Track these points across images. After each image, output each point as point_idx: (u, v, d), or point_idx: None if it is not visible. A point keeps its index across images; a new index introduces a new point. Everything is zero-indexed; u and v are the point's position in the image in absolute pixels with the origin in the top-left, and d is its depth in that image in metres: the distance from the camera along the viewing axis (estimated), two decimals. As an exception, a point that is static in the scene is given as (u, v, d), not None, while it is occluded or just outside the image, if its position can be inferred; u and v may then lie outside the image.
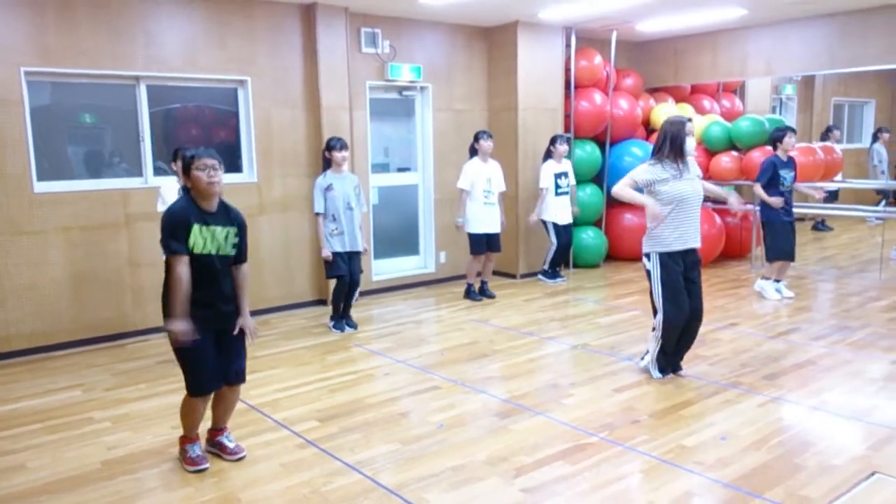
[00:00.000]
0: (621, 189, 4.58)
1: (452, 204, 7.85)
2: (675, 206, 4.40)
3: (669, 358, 4.67)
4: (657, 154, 4.48)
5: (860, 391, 4.38)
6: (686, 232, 4.45)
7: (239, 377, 3.55)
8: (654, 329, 4.63)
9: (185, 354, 3.35)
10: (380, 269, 7.66)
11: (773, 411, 4.08)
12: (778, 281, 6.89)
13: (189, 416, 3.51)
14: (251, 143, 6.50)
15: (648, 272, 4.57)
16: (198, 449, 3.53)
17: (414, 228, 8.03)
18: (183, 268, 3.22)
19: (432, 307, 7.03)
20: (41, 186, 5.54)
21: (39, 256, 5.53)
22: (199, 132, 6.52)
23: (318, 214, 5.82)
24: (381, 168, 7.69)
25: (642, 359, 4.85)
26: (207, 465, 3.49)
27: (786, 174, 6.52)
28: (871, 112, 14.01)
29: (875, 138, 11.51)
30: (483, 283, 7.28)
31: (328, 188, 5.80)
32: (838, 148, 9.27)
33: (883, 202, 11.14)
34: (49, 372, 5.17)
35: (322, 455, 3.64)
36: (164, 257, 3.35)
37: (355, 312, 6.73)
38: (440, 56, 7.70)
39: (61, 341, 5.66)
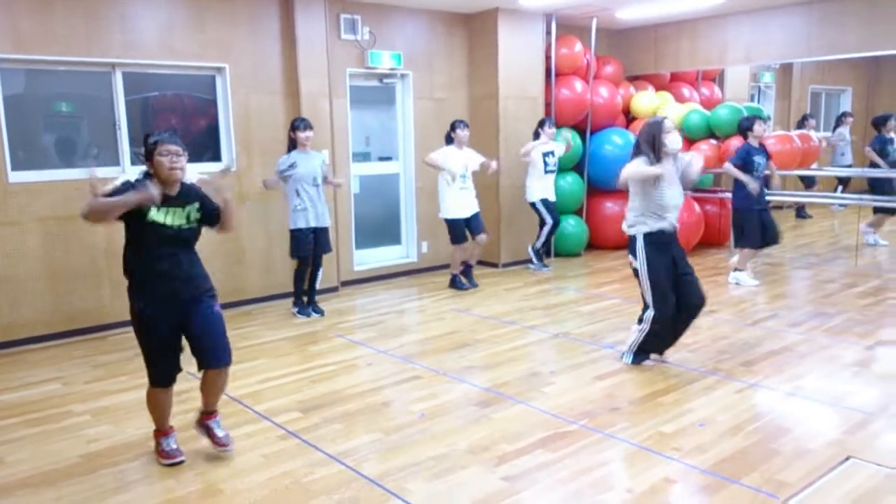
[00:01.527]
0: (627, 172, 4.42)
1: (434, 193, 7.83)
2: (661, 204, 4.42)
3: (651, 350, 4.75)
4: (638, 154, 4.43)
5: (836, 376, 4.45)
6: (667, 218, 4.46)
7: (220, 360, 3.41)
8: (640, 321, 4.65)
9: (143, 340, 3.31)
10: (362, 259, 7.65)
11: (750, 397, 4.14)
12: (740, 270, 7.00)
13: (154, 409, 3.47)
14: (230, 131, 6.44)
15: (636, 270, 4.56)
16: (172, 442, 3.49)
17: (396, 218, 8.01)
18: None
19: (414, 297, 7.03)
20: (15, 176, 5.45)
21: (15, 247, 5.45)
22: (177, 120, 6.44)
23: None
24: (363, 157, 7.65)
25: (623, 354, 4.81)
26: (183, 458, 3.45)
27: (759, 160, 6.60)
28: (847, 100, 14.14)
29: (839, 123, 11.59)
30: (467, 267, 7.25)
31: (291, 165, 5.92)
32: (815, 135, 9.36)
33: (840, 188, 11.25)
34: (27, 365, 5.11)
35: (304, 446, 3.64)
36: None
37: (337, 302, 6.74)
38: (420, 43, 7.66)
39: (39, 333, 5.60)
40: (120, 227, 3.24)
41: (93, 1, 5.60)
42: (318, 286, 6.38)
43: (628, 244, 4.63)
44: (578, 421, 3.85)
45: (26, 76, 5.61)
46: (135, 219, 3.18)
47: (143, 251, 3.25)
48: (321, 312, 6.25)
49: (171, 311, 3.29)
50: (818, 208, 12.00)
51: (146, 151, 3.26)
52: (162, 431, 3.51)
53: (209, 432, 3.57)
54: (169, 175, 3.22)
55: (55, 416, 4.14)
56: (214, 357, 3.40)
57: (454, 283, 7.22)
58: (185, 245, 3.34)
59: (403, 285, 7.49)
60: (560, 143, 7.82)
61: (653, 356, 4.79)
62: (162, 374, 3.38)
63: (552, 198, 7.75)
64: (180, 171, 3.25)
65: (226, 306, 6.11)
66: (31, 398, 4.44)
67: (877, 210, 8.68)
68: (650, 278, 4.49)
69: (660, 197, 4.39)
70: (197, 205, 3.36)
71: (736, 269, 7.01)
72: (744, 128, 6.76)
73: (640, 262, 4.51)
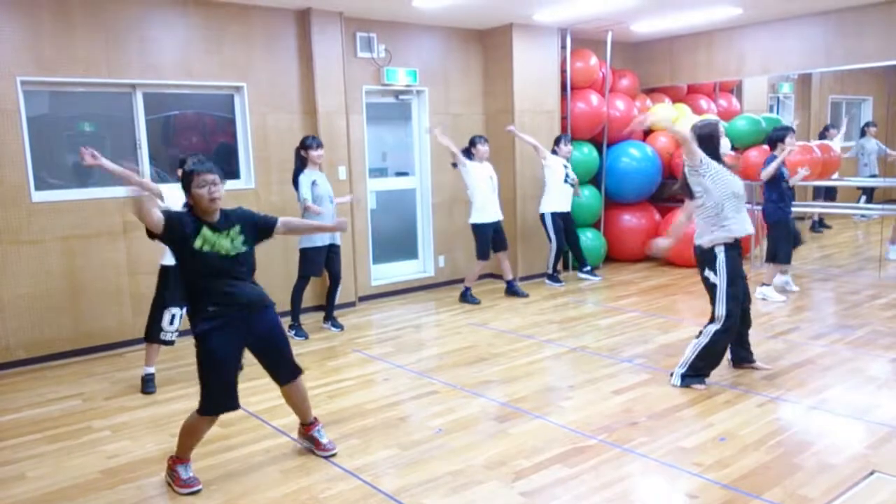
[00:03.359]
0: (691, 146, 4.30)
1: (451, 207, 7.88)
2: (734, 199, 4.34)
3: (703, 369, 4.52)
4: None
5: (859, 390, 4.37)
6: (745, 219, 4.42)
7: (290, 376, 3.61)
8: (699, 335, 4.48)
9: (206, 365, 3.28)
10: (379, 274, 7.67)
11: (772, 411, 4.08)
12: (767, 285, 6.84)
13: (190, 437, 3.39)
14: (248, 149, 6.51)
15: (711, 281, 4.40)
16: (189, 470, 3.40)
17: (412, 233, 8.03)
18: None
19: (431, 311, 7.03)
20: (39, 196, 5.55)
21: (38, 266, 5.53)
22: (197, 139, 6.53)
23: (306, 205, 5.77)
24: (379, 173, 7.70)
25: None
26: (200, 486, 3.36)
27: (784, 171, 6.54)
28: (868, 109, 13.99)
29: (863, 133, 11.49)
30: (509, 283, 7.33)
31: (314, 183, 5.89)
32: (836, 146, 9.27)
33: (863, 198, 11.09)
34: (48, 381, 5.17)
35: (321, 461, 3.64)
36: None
37: (355, 317, 6.76)
38: (436, 60, 7.71)
39: (60, 350, 5.66)
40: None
41: (113, 24, 5.71)
42: (336, 301, 6.38)
43: (701, 258, 4.47)
44: (597, 436, 3.81)
45: (50, 98, 5.72)
46: (181, 248, 3.22)
47: (197, 286, 3.28)
48: (340, 327, 6.27)
49: (235, 330, 3.32)
50: (839, 219, 11.84)
51: (183, 183, 3.29)
52: (182, 459, 3.41)
53: (314, 441, 3.70)
54: (209, 206, 3.26)
55: (75, 431, 4.18)
56: (280, 373, 3.60)
57: (465, 297, 7.21)
58: (235, 275, 3.32)
59: (420, 300, 7.49)
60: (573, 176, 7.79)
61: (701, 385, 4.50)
62: (219, 397, 3.31)
63: (564, 209, 7.65)
64: (219, 201, 3.28)
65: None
66: (51, 414, 4.49)
67: None
68: (729, 289, 4.34)
69: (732, 184, 4.33)
70: (238, 227, 3.35)
71: (763, 284, 6.84)
72: (775, 138, 6.66)
73: (720, 276, 4.36)
